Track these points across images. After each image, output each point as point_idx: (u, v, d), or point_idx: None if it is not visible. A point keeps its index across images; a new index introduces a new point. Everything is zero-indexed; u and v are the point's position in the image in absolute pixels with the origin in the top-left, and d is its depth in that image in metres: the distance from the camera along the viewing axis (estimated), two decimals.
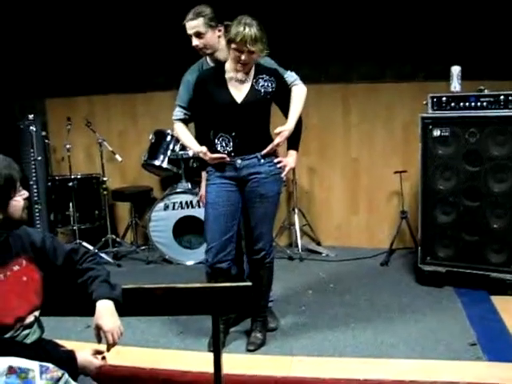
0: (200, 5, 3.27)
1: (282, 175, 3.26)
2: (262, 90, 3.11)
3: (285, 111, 3.27)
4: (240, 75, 3.11)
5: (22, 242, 1.96)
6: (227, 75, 3.13)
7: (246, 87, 3.12)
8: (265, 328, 3.41)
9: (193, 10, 3.25)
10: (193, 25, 3.22)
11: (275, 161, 3.22)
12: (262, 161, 3.17)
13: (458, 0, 4.62)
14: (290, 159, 3.31)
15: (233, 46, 2.98)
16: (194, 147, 3.25)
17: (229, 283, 2.26)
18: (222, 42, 3.24)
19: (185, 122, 3.39)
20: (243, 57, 2.98)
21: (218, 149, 3.15)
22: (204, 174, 3.38)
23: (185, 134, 3.36)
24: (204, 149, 3.13)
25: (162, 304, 2.17)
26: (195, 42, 3.26)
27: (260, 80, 3.12)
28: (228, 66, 3.14)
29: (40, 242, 2.00)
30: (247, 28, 2.91)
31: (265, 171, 3.17)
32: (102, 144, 5.09)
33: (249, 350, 3.26)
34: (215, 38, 3.27)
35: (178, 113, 3.38)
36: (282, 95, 3.22)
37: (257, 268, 3.33)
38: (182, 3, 3.31)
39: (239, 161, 3.14)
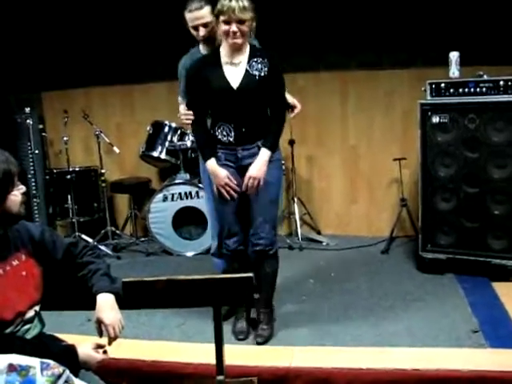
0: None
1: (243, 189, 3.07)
2: (257, 74, 2.97)
3: (269, 103, 3.08)
4: (235, 58, 2.99)
5: (21, 236, 1.95)
6: (222, 60, 3.02)
7: (241, 72, 2.99)
8: (271, 319, 3.36)
9: (190, 1, 3.12)
10: (201, 14, 3.10)
11: None
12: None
13: None
14: (252, 168, 3.03)
15: (221, 18, 2.86)
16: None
17: (230, 275, 2.26)
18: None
19: None
20: (233, 27, 2.85)
21: (219, 138, 3.07)
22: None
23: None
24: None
25: (163, 296, 2.16)
26: (203, 32, 3.12)
27: (254, 63, 2.98)
28: (222, 50, 3.03)
29: (39, 235, 1.99)
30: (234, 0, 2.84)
31: None
32: (99, 136, 5.05)
33: (258, 343, 3.22)
34: (216, 28, 3.12)
35: None
36: (271, 83, 3.01)
37: (261, 259, 3.19)
38: None
39: (241, 151, 3.07)
